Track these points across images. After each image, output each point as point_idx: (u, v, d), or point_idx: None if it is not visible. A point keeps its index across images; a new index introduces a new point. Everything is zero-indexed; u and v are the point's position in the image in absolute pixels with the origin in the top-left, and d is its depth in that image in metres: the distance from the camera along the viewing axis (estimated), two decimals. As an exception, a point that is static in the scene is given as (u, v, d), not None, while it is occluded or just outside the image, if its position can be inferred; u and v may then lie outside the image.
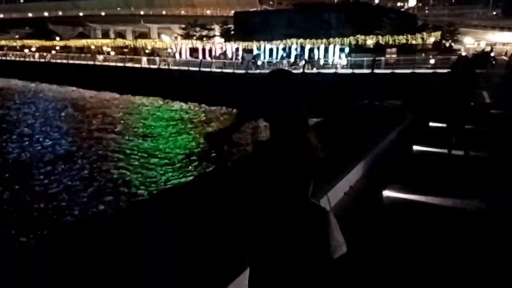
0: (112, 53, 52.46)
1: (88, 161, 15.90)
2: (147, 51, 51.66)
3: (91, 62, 45.23)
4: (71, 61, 47.66)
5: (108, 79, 38.13)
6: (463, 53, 36.28)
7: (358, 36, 34.71)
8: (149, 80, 35.57)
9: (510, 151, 6.70)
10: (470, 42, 52.44)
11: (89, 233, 3.31)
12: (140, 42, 55.33)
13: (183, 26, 56.04)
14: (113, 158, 16.33)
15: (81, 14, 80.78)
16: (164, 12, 73.38)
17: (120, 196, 11.94)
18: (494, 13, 76.84)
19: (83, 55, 49.14)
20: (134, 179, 13.61)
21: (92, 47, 58.45)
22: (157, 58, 41.60)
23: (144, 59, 42.29)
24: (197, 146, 18.33)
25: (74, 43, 62.15)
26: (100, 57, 47.39)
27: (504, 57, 33.52)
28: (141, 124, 24.24)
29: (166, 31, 73.44)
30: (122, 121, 24.94)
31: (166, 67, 39.09)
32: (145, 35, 74.55)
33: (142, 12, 74.89)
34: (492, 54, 32.69)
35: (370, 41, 34.73)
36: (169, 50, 50.20)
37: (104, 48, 57.49)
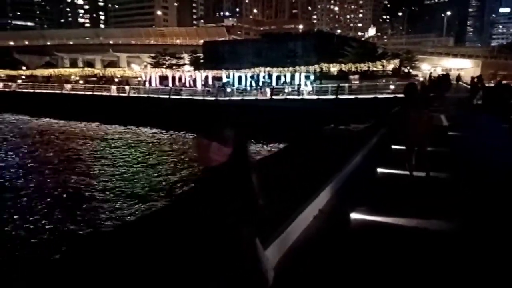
0: (81, 82, 51.73)
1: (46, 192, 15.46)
2: (116, 79, 51.30)
3: (58, 91, 44.35)
4: (37, 90, 46.58)
5: (76, 108, 37.46)
6: (421, 79, 38.30)
7: (323, 64, 36.11)
8: (119, 108, 35.24)
9: (468, 171, 7.11)
10: (427, 68, 55.50)
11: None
12: (109, 71, 54.93)
13: (152, 55, 56.34)
14: (76, 187, 15.98)
15: (48, 43, 79.67)
16: (133, 42, 73.58)
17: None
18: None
19: (50, 84, 48.06)
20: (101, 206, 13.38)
21: (60, 76, 57.40)
22: (126, 87, 41.39)
23: (114, 87, 41.97)
24: (164, 172, 18.28)
25: (40, 72, 60.86)
26: (68, 86, 46.58)
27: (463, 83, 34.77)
28: (109, 151, 23.86)
29: (136, 59, 73.47)
30: (90, 150, 24.45)
31: (136, 95, 38.91)
32: (114, 64, 74.20)
33: (111, 42, 74.74)
34: (451, 78, 34.37)
35: (334, 69, 36.18)
36: (139, 79, 50.13)
37: (72, 77, 56.64)
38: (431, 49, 65.66)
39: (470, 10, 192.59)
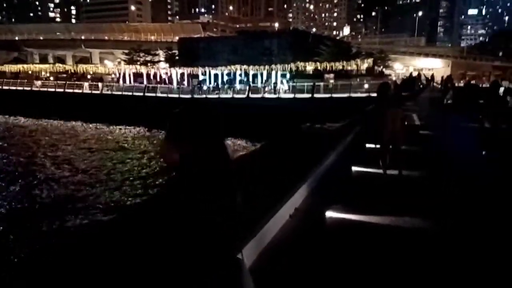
0: (52, 78, 50.10)
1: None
2: (89, 76, 49.98)
3: (27, 88, 42.82)
4: (5, 87, 44.80)
5: (47, 106, 36.29)
6: (394, 78, 39.19)
7: (298, 62, 36.35)
8: (92, 106, 34.43)
9: (439, 169, 7.33)
10: (400, 68, 56.85)
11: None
12: (81, 67, 53.43)
13: (126, 51, 55.20)
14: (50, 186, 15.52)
15: (16, 38, 76.76)
16: (106, 37, 71.84)
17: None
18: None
19: (19, 80, 46.30)
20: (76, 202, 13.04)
21: (29, 72, 55.34)
22: (99, 84, 40.42)
23: (86, 84, 40.92)
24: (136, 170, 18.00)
25: (8, 68, 58.44)
26: (38, 82, 45.03)
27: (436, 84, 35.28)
28: (82, 150, 23.26)
29: (109, 56, 71.81)
30: (61, 149, 23.76)
31: (109, 92, 38.06)
32: (86, 60, 72.27)
33: (83, 37, 72.74)
34: (422, 78, 35.21)
35: (310, 67, 36.49)
36: (113, 75, 49.04)
37: (43, 74, 54.75)
38: (404, 48, 67.24)
39: (441, 11, 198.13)
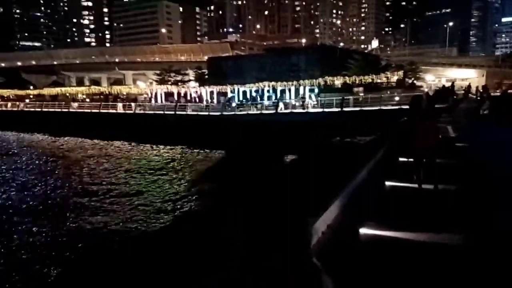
0: (88, 100, 52.43)
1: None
2: (122, 96, 51.92)
3: (65, 110, 44.90)
4: (44, 109, 47.22)
5: (83, 126, 37.91)
6: (426, 89, 38.20)
7: (326, 77, 36.21)
8: (125, 125, 35.58)
9: (476, 183, 7.03)
10: (431, 79, 55.47)
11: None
12: (116, 89, 55.53)
13: (157, 71, 56.98)
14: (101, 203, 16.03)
15: (55, 63, 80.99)
16: (138, 59, 74.58)
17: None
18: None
19: (57, 103, 48.76)
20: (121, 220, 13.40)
21: (67, 94, 58.20)
22: (132, 104, 41.77)
23: (120, 104, 42.39)
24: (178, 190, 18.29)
25: (48, 91, 61.76)
26: (75, 104, 47.16)
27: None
28: (124, 170, 23.92)
29: (141, 77, 74.31)
30: (103, 167, 24.59)
31: (142, 111, 39.23)
32: (120, 82, 75.08)
33: (116, 60, 75.81)
34: (456, 89, 33.98)
35: (338, 81, 36.24)
36: (145, 95, 50.65)
37: (79, 96, 57.36)
38: (435, 59, 65.69)
39: (473, 20, 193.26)
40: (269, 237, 1.54)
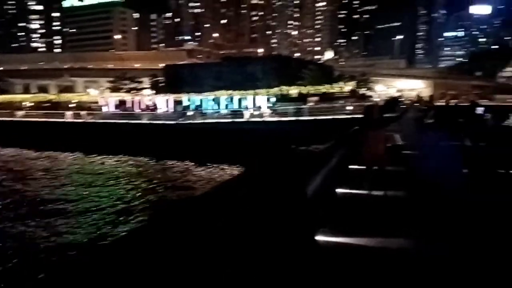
0: (34, 108, 49.56)
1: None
2: (72, 105, 49.58)
3: (8, 119, 42.21)
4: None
5: (28, 136, 35.76)
6: (376, 99, 39.90)
7: (282, 86, 36.81)
8: (75, 135, 34.00)
9: (423, 189, 7.31)
10: (382, 89, 58.06)
11: None
12: (65, 96, 53.02)
13: (111, 79, 55.24)
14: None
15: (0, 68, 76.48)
16: (90, 66, 72.07)
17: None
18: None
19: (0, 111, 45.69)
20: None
21: (11, 102, 54.68)
22: (82, 112, 40.09)
23: (69, 113, 40.53)
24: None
25: (-12, 99, 57.62)
26: (20, 112, 44.48)
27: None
28: (67, 182, 22.76)
29: (93, 84, 71.72)
30: (44, 180, 23.21)
31: (93, 120, 37.74)
32: (70, 89, 71.95)
33: (66, 66, 72.81)
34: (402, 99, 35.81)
35: (293, 91, 36.97)
36: (97, 103, 48.77)
37: (25, 103, 54.14)
38: (385, 71, 68.90)
39: (419, 34, 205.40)
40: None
